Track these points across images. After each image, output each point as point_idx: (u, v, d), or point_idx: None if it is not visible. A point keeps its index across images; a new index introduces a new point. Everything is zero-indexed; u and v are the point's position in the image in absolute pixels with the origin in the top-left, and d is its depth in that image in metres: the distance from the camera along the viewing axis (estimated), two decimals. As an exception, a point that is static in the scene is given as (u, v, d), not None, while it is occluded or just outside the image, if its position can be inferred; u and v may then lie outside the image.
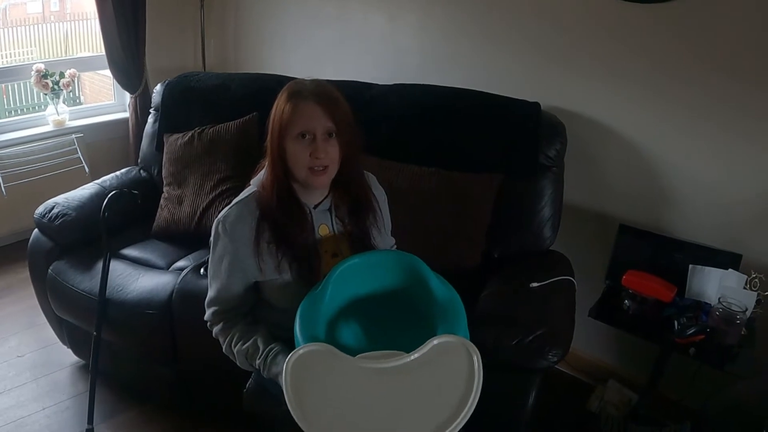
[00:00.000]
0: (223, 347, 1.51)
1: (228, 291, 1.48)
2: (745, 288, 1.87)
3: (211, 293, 1.51)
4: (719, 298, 1.84)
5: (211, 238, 1.48)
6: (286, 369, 1.19)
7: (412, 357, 1.19)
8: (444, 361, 1.19)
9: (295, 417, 1.15)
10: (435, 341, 1.20)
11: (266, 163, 1.46)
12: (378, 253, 1.49)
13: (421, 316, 1.35)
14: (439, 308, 1.32)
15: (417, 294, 1.38)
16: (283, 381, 1.19)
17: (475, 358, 1.18)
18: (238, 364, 1.50)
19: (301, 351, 1.21)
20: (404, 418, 1.16)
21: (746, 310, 1.80)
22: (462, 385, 1.16)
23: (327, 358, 1.21)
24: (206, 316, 1.53)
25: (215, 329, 1.52)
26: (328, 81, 1.46)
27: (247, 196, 1.48)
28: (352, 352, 1.22)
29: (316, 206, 1.48)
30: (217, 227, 1.45)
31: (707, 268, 1.94)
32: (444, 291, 1.37)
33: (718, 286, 1.90)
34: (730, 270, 1.91)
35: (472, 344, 1.20)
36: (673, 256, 2.04)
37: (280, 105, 1.39)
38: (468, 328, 1.32)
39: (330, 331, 1.32)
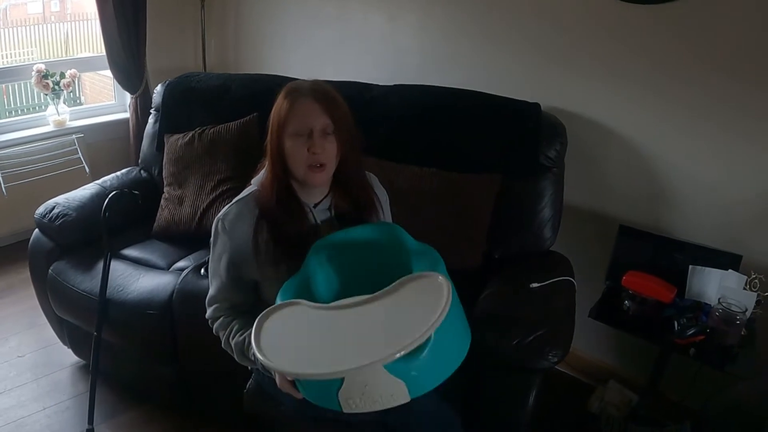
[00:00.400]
0: (222, 342, 1.51)
1: (228, 289, 1.49)
2: (745, 289, 1.87)
3: (211, 291, 1.52)
4: (719, 299, 1.84)
5: (211, 237, 1.49)
6: (254, 326, 1.23)
7: (379, 293, 1.19)
8: (411, 291, 1.17)
9: (256, 352, 1.17)
10: (402, 279, 1.21)
11: (266, 162, 1.47)
12: (357, 228, 1.47)
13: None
14: (415, 257, 1.31)
15: (398, 262, 1.35)
16: (253, 330, 1.22)
17: (441, 280, 1.15)
18: (235, 358, 1.50)
19: (268, 310, 1.25)
20: (368, 345, 1.12)
21: (746, 310, 1.80)
22: (430, 308, 1.10)
23: (297, 306, 1.23)
24: (207, 314, 1.54)
25: (215, 325, 1.53)
26: (327, 81, 1.47)
27: (246, 195, 1.49)
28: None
29: (315, 205, 1.49)
30: (216, 225, 1.47)
31: (707, 269, 1.94)
32: (421, 246, 1.37)
33: (718, 287, 1.90)
34: (730, 271, 1.91)
35: (439, 274, 1.19)
36: (673, 256, 2.04)
37: (278, 103, 1.41)
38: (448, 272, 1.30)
39: (306, 287, 1.33)
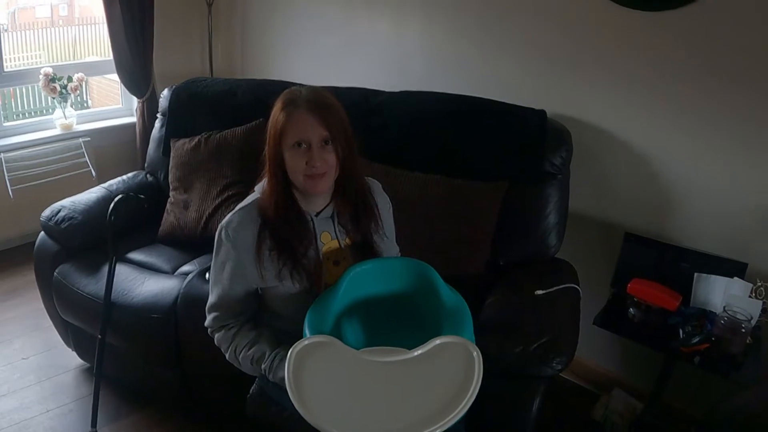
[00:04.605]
0: (227, 355, 1.51)
1: (229, 297, 1.48)
2: (750, 296, 1.86)
3: (212, 299, 1.51)
4: (724, 307, 1.83)
5: (215, 244, 1.48)
6: (289, 357, 1.21)
7: (414, 354, 1.22)
8: (444, 359, 1.21)
9: (294, 403, 1.16)
10: (437, 341, 1.22)
11: (266, 171, 1.47)
12: (393, 259, 1.53)
13: (426, 322, 1.36)
14: (446, 314, 1.34)
15: (425, 301, 1.39)
16: (286, 368, 1.20)
17: (475, 356, 1.19)
18: (243, 369, 1.50)
19: (306, 342, 1.24)
20: (400, 410, 1.17)
21: (751, 318, 1.79)
22: (460, 384, 1.17)
23: (330, 349, 1.24)
24: (207, 322, 1.53)
25: (217, 336, 1.52)
26: (332, 87, 1.47)
27: (249, 203, 1.48)
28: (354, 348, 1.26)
29: (317, 214, 1.49)
30: (220, 233, 1.46)
31: (712, 277, 1.93)
32: (453, 299, 1.39)
33: (723, 295, 1.89)
34: (735, 278, 1.90)
35: (473, 344, 1.21)
36: (679, 264, 2.03)
37: (275, 114, 1.40)
38: (474, 334, 1.32)
39: (336, 328, 1.34)
